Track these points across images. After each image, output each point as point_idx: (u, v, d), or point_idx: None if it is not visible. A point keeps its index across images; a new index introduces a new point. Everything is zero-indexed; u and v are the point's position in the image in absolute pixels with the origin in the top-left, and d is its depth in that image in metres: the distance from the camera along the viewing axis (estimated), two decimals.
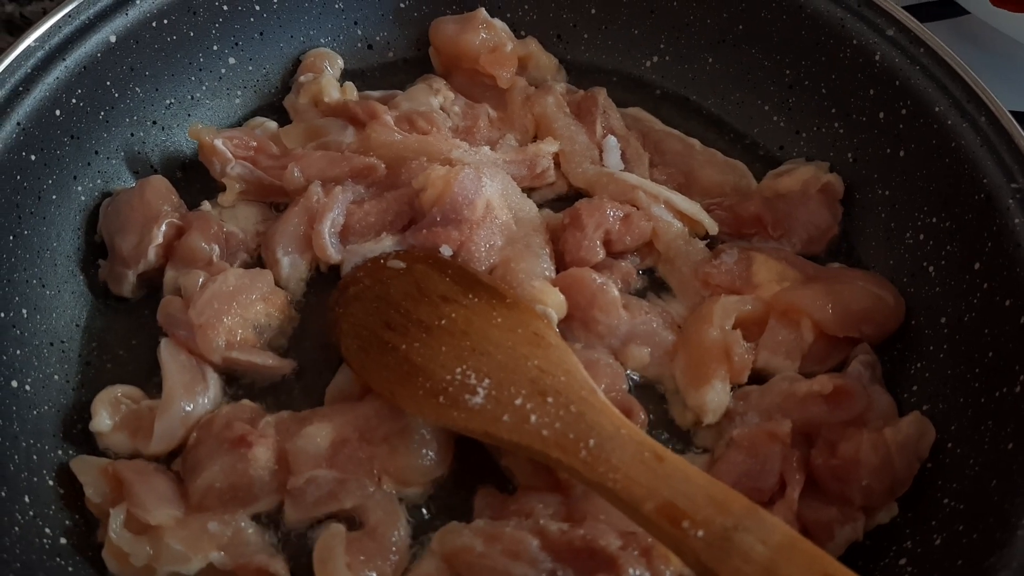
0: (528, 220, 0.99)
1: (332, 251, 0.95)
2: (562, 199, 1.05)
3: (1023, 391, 0.77)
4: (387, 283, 0.88)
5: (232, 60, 1.07)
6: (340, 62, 1.12)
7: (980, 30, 1.25)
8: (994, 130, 0.88)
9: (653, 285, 0.99)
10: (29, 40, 0.90)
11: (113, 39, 0.96)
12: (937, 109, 0.92)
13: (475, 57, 1.09)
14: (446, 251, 0.93)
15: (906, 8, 1.30)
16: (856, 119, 1.01)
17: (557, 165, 1.06)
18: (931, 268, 0.93)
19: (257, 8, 1.06)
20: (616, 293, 0.93)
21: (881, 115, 0.98)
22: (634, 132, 1.08)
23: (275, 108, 1.10)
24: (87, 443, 0.86)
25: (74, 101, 0.94)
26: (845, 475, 0.80)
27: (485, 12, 1.11)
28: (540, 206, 1.03)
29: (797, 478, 0.80)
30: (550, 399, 0.76)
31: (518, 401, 0.76)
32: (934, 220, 0.93)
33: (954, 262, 0.90)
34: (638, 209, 0.99)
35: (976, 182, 0.88)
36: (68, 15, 0.93)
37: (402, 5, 1.13)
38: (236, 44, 1.07)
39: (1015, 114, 1.19)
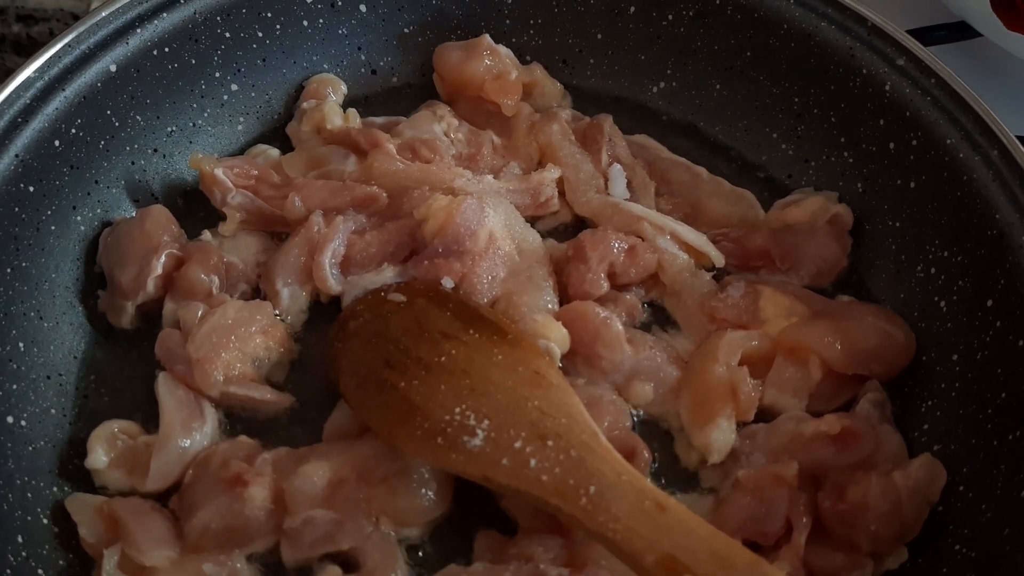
0: (531, 251, 0.97)
1: (333, 282, 0.94)
2: (566, 229, 1.03)
3: None
4: (387, 318, 0.87)
5: (234, 87, 1.06)
6: (343, 88, 1.11)
7: (994, 53, 1.23)
8: (1007, 164, 0.86)
9: (658, 318, 0.97)
10: (28, 71, 0.89)
11: (113, 68, 0.95)
12: (948, 141, 0.90)
13: (479, 84, 1.08)
14: (448, 283, 0.92)
15: (918, 31, 1.29)
16: (866, 149, 0.99)
17: (562, 194, 1.05)
18: (942, 303, 0.91)
19: (260, 35, 1.05)
20: (620, 328, 0.91)
21: (891, 146, 0.97)
22: (640, 160, 1.07)
23: (278, 135, 1.09)
24: (83, 479, 0.85)
25: (74, 131, 0.93)
26: (853, 520, 0.78)
27: (489, 39, 1.10)
28: (544, 236, 1.01)
29: (804, 522, 0.78)
30: (550, 443, 0.75)
31: (517, 444, 0.75)
32: (945, 254, 0.91)
33: (966, 298, 0.88)
34: (643, 240, 0.97)
35: (988, 217, 0.86)
36: (68, 45, 0.92)
37: (406, 31, 1.12)
38: (238, 71, 1.06)
39: None
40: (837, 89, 1.00)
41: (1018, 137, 1.17)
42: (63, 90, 0.91)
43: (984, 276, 0.86)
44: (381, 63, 1.14)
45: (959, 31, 1.27)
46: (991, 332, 0.84)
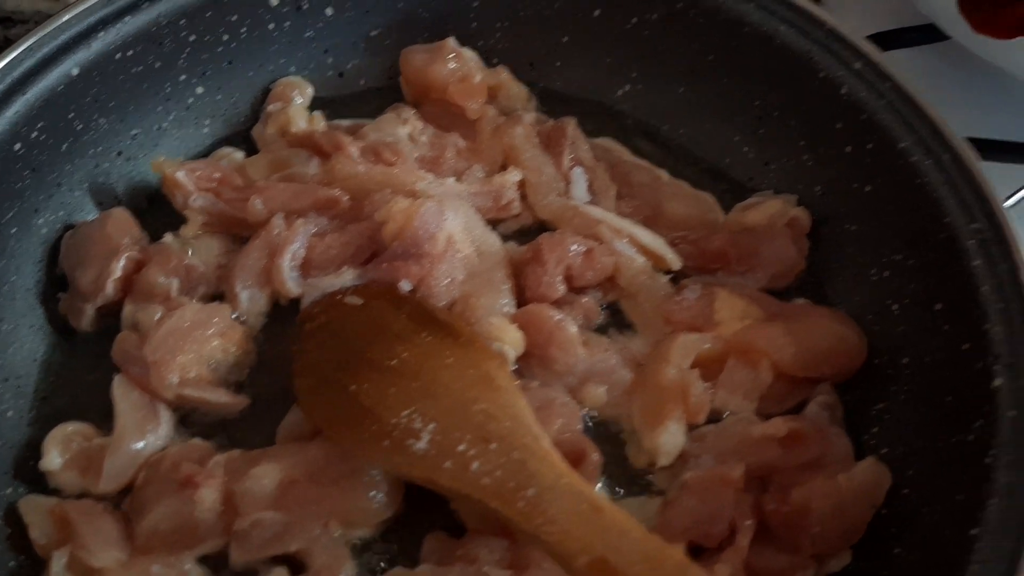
0: (490, 254, 0.98)
1: (292, 285, 0.95)
2: (527, 231, 1.03)
3: (976, 441, 0.76)
4: (343, 321, 0.88)
5: (200, 89, 1.07)
6: (310, 91, 1.11)
7: (965, 55, 1.23)
8: (957, 168, 0.87)
9: (615, 320, 0.97)
10: None
11: (76, 71, 0.96)
12: (902, 145, 0.91)
13: (443, 88, 1.08)
14: (406, 286, 0.93)
15: (889, 32, 1.29)
16: (824, 152, 1.00)
17: (525, 197, 1.05)
18: (895, 307, 0.91)
19: (225, 38, 1.06)
20: (575, 330, 0.92)
21: (848, 149, 0.97)
22: (602, 163, 1.07)
23: (244, 137, 1.09)
24: (39, 481, 0.85)
25: (35, 134, 0.94)
26: (797, 522, 0.79)
27: (454, 41, 1.10)
28: (505, 238, 1.02)
29: (747, 524, 0.79)
30: (494, 445, 0.76)
31: (462, 447, 0.76)
32: (899, 258, 0.92)
33: (918, 302, 0.89)
34: (601, 243, 0.98)
35: (938, 221, 0.87)
36: (29, 48, 0.93)
37: (373, 34, 1.13)
38: (204, 73, 1.06)
39: (999, 143, 1.18)
40: (796, 92, 1.01)
41: (990, 140, 1.18)
42: (24, 93, 0.92)
43: (934, 280, 0.87)
44: (348, 66, 1.14)
45: (930, 33, 1.28)
46: (939, 336, 0.85)
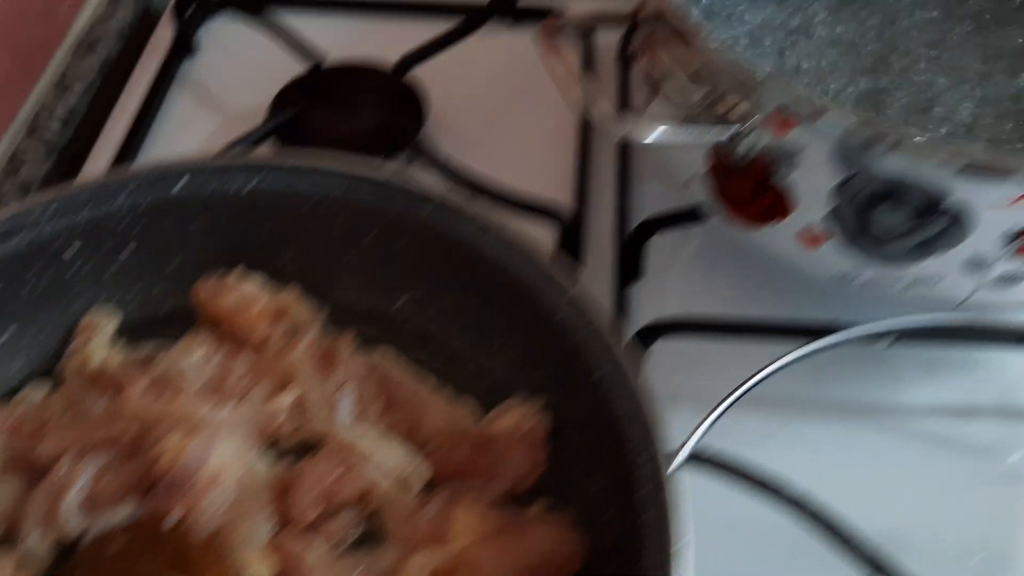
0: (255, 480, 1.09)
1: (73, 524, 1.05)
2: (299, 451, 1.14)
3: None
4: (104, 566, 0.98)
5: (8, 333, 1.18)
6: (117, 321, 1.23)
7: (728, 235, 1.36)
8: (635, 401, 0.98)
9: (370, 535, 1.08)
10: None
11: None
12: (597, 374, 1.03)
13: (229, 317, 1.20)
14: (175, 516, 1.04)
15: (658, 218, 1.43)
16: (556, 367, 1.12)
17: (303, 415, 1.17)
18: (608, 517, 1.02)
19: (30, 285, 1.18)
20: (322, 553, 1.03)
21: (571, 365, 1.09)
22: (373, 378, 1.19)
23: (52, 372, 1.21)
24: None
25: None
26: None
27: (240, 272, 1.23)
28: (282, 456, 1.13)
29: None
30: None
31: None
32: (613, 471, 1.03)
33: (623, 518, 0.99)
34: (355, 463, 1.09)
35: (627, 447, 0.98)
36: None
37: (170, 267, 1.25)
38: (11, 318, 1.18)
39: (754, 326, 1.31)
40: (530, 313, 1.13)
41: (748, 318, 1.31)
42: None
43: (629, 501, 0.97)
44: (154, 291, 1.26)
45: (696, 215, 1.42)
46: (629, 552, 0.95)
